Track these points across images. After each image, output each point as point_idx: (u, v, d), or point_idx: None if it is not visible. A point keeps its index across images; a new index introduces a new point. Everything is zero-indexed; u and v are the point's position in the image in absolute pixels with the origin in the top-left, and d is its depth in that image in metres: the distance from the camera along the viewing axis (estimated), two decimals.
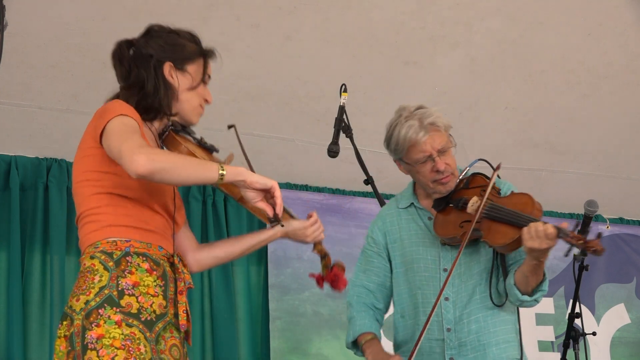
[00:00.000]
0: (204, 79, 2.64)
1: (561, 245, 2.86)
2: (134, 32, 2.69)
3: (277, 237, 2.73)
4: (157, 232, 2.44)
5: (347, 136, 3.27)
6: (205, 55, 2.65)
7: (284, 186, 5.19)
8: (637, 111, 5.14)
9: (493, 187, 3.02)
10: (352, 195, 5.39)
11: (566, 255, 2.84)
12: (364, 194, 5.31)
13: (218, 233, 4.94)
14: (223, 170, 2.28)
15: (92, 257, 2.36)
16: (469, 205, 3.01)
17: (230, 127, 2.70)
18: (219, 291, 4.91)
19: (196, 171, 2.30)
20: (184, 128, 2.63)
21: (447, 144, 3.06)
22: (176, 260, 2.47)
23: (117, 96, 2.56)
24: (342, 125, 3.24)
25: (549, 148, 5.35)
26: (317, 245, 2.77)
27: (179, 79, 2.57)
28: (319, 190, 5.33)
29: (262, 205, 2.36)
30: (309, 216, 2.74)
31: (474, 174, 3.13)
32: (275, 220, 2.39)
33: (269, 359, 4.96)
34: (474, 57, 4.67)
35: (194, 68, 2.61)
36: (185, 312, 2.41)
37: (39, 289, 4.52)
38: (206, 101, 2.64)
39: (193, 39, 2.65)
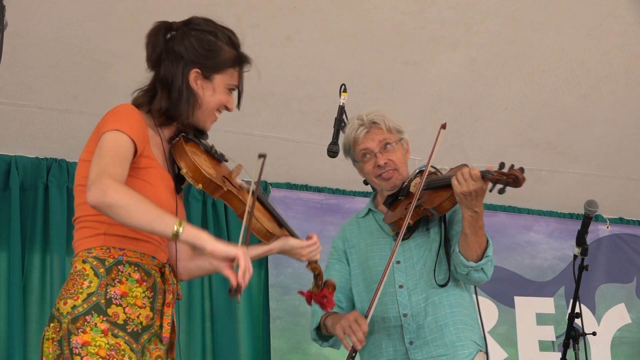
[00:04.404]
0: (231, 88, 2.52)
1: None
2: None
3: (272, 253, 2.62)
4: (151, 242, 2.40)
5: None
6: (240, 65, 2.51)
7: (284, 186, 5.18)
8: (637, 111, 5.14)
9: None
10: (352, 195, 5.38)
11: (490, 190, 2.90)
12: (364, 194, 5.30)
13: (218, 234, 4.92)
14: (180, 227, 2.17)
15: (84, 262, 2.33)
16: (412, 185, 3.13)
17: (260, 156, 2.49)
18: (219, 291, 4.91)
19: (150, 222, 2.17)
20: (197, 133, 2.53)
21: (390, 140, 3.16)
22: (167, 270, 2.41)
23: (146, 92, 2.46)
24: (342, 125, 3.24)
25: (549, 148, 5.35)
26: (311, 263, 2.76)
27: (204, 88, 2.47)
28: (319, 190, 5.32)
29: (228, 273, 2.20)
30: (309, 237, 2.69)
31: (418, 172, 3.24)
32: (234, 293, 2.19)
33: (269, 359, 4.96)
34: (474, 57, 4.67)
35: (220, 78, 2.49)
36: (169, 324, 2.36)
37: (39, 289, 4.52)
38: (226, 108, 2.53)
39: (232, 42, 2.51)
